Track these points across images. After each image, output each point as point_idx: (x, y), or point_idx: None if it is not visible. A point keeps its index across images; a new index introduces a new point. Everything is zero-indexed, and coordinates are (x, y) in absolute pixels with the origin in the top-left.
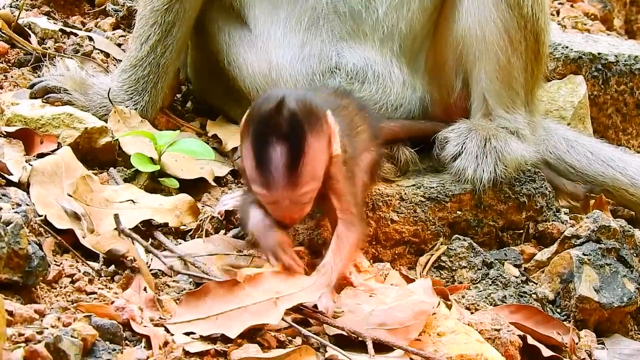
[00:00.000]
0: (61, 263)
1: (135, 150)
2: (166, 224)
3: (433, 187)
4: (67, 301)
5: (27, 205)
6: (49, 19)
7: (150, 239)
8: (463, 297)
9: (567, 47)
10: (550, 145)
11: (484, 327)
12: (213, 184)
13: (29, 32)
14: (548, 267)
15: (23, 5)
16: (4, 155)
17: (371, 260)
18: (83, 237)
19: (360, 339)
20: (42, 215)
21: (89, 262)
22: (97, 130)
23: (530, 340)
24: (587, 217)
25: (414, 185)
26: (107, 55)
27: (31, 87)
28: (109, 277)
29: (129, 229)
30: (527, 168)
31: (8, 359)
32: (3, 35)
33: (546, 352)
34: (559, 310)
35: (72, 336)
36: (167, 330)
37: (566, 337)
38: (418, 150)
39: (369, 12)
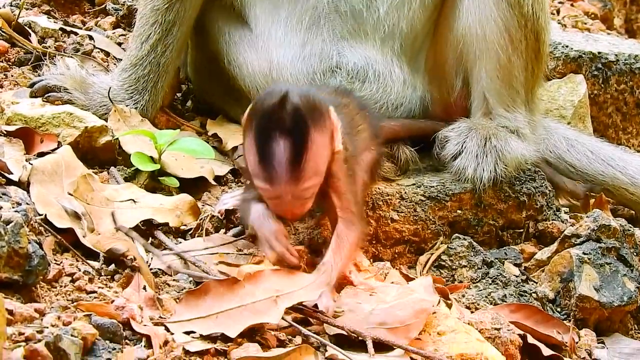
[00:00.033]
0: (61, 262)
1: (135, 149)
2: (166, 224)
3: (433, 186)
4: (67, 300)
5: (27, 204)
6: (49, 18)
7: (150, 238)
8: (463, 296)
9: (567, 46)
10: (550, 144)
11: (484, 326)
12: (213, 183)
13: (29, 31)
14: (548, 266)
15: (23, 4)
16: (4, 154)
17: (371, 259)
18: (83, 237)
19: (360, 338)
20: (42, 214)
21: (89, 261)
22: (98, 129)
23: (531, 339)
24: (587, 216)
25: (414, 184)
26: (108, 54)
27: (31, 86)
28: (109, 276)
29: (130, 228)
30: (527, 167)
31: (8, 358)
32: (3, 34)
33: (546, 351)
34: (559, 309)
35: (72, 335)
36: (167, 329)
37: (566, 336)
38: (418, 150)
39: (370, 12)
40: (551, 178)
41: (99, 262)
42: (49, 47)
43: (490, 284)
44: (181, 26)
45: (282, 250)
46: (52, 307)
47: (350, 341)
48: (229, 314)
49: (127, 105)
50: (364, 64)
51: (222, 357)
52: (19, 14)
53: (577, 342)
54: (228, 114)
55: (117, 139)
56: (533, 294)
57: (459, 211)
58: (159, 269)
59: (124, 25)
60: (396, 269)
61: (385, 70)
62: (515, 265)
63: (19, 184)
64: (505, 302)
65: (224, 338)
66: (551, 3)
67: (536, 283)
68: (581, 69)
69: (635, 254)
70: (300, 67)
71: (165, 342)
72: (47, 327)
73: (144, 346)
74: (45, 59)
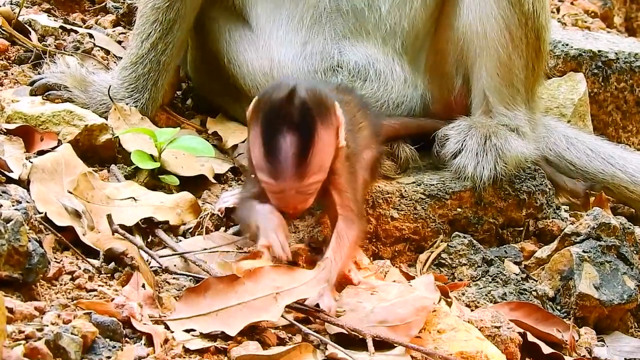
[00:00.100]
0: (61, 260)
1: (135, 148)
2: (167, 222)
3: (433, 185)
4: (67, 298)
5: (27, 202)
6: (49, 16)
7: (150, 237)
8: (463, 294)
9: (567, 45)
10: (550, 142)
11: (484, 324)
12: (213, 181)
13: (30, 29)
14: (548, 264)
15: (23, 3)
16: (4, 153)
17: (371, 258)
18: (83, 235)
19: (361, 337)
20: (42, 213)
21: (89, 260)
22: (98, 127)
23: (530, 338)
24: (587, 215)
25: (414, 182)
26: (108, 52)
27: (31, 84)
28: (109, 275)
29: (130, 226)
30: (527, 165)
31: (8, 356)
32: (3, 32)
33: (546, 349)
34: (559, 307)
35: (72, 333)
36: (167, 327)
37: (566, 335)
38: (418, 148)
39: (371, 10)
40: (551, 176)
41: (98, 260)
42: (49, 45)
43: (490, 282)
44: (181, 24)
45: (276, 242)
46: (52, 305)
47: (351, 340)
48: (228, 312)
49: (127, 104)
50: (365, 63)
51: (222, 355)
52: (19, 12)
53: (577, 341)
54: (228, 112)
55: (117, 137)
56: (533, 292)
57: (459, 209)
58: (159, 267)
59: (124, 24)
60: (396, 267)
61: (387, 69)
62: (515, 263)
63: (19, 182)
64: (505, 300)
65: (224, 336)
66: (551, 1)
67: (536, 281)
68: (581, 68)
69: (635, 252)
70: (302, 65)
71: (165, 340)
72: (47, 325)
73: (144, 344)
74: (46, 57)
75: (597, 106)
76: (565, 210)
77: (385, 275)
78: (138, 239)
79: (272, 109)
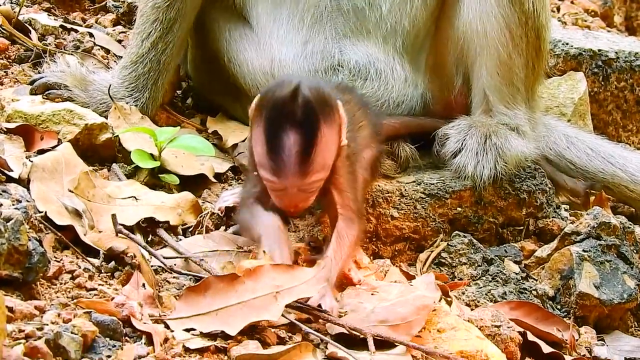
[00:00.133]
0: (61, 259)
1: (135, 147)
2: (167, 222)
3: (433, 184)
4: (67, 297)
5: (27, 201)
6: (49, 15)
7: (150, 236)
8: (463, 293)
9: (567, 44)
10: (550, 141)
11: (484, 323)
12: (213, 180)
13: (30, 28)
14: (548, 263)
15: (24, 2)
16: (4, 152)
17: (371, 257)
18: (84, 234)
19: (362, 336)
20: (42, 212)
21: (89, 259)
22: (98, 126)
23: (530, 337)
24: (587, 214)
25: (414, 181)
26: (108, 51)
27: (31, 83)
28: (109, 274)
29: (131, 225)
30: (527, 165)
31: (8, 355)
32: (3, 31)
33: (546, 348)
34: (559, 306)
35: (72, 332)
36: (167, 327)
37: (566, 334)
38: (418, 147)
39: (372, 10)
40: (551, 175)
41: (99, 259)
42: (49, 44)
43: (490, 282)
44: (182, 24)
45: (279, 259)
46: (52, 305)
47: (352, 340)
48: (229, 311)
49: (127, 103)
50: (366, 62)
51: (222, 355)
52: (19, 11)
53: (577, 340)
54: (228, 111)
55: (117, 136)
56: (533, 292)
57: (459, 209)
58: (159, 266)
59: (124, 23)
60: (396, 266)
61: (387, 68)
62: (515, 262)
63: (19, 181)
64: (505, 299)
65: (224, 335)
66: (551, 0)
67: (536, 280)
68: (581, 67)
69: (635, 251)
70: (302, 65)
71: (165, 340)
72: (47, 325)
73: (144, 343)
74: (46, 57)
75: (597, 105)
76: (566, 210)
77: (385, 275)
78: (140, 239)
79: (276, 107)
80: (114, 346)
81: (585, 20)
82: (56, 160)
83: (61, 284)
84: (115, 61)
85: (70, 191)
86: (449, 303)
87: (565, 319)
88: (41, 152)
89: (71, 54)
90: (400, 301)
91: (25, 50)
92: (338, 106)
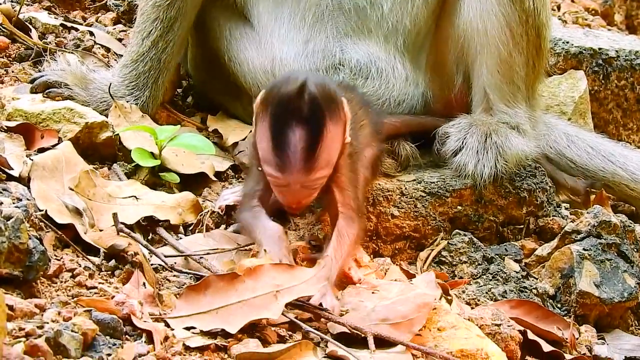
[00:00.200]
0: (61, 258)
1: (135, 145)
2: (167, 221)
3: (434, 182)
4: (68, 296)
5: (27, 199)
6: (49, 14)
7: (151, 234)
8: (463, 292)
9: (567, 42)
10: (550, 140)
11: (484, 322)
12: (213, 178)
13: (30, 26)
14: (548, 262)
15: (24, 0)
16: (4, 150)
17: (371, 255)
18: (84, 233)
19: (363, 335)
20: (42, 210)
21: (89, 257)
22: (98, 125)
23: (531, 335)
24: (587, 212)
25: (414, 180)
26: (108, 50)
27: (32, 81)
28: (109, 272)
29: (131, 224)
30: (527, 163)
31: (8, 353)
32: (4, 30)
33: (546, 347)
34: (559, 305)
35: (72, 331)
36: (168, 325)
37: (566, 332)
38: (419, 146)
39: (374, 9)
40: (552, 174)
41: (99, 257)
42: (50, 43)
43: (491, 280)
44: (182, 22)
45: (282, 256)
46: (53, 303)
47: (353, 338)
48: (229, 309)
49: (127, 101)
50: (367, 61)
51: (222, 353)
52: (20, 9)
53: (577, 338)
54: (228, 110)
55: (118, 134)
56: (533, 290)
57: (459, 207)
58: (160, 265)
59: (124, 21)
60: (396, 264)
61: (388, 67)
62: (516, 261)
63: (19, 179)
64: (506, 298)
65: (224, 333)
66: None
67: (536, 279)
68: (582, 65)
69: (635, 250)
70: (303, 63)
71: (166, 338)
72: (48, 323)
73: (144, 342)
74: (46, 55)
75: (598, 104)
76: (566, 208)
77: (385, 273)
78: (140, 237)
79: (282, 103)
80: (114, 344)
81: (586, 19)
82: (56, 158)
83: (61, 282)
84: (115, 60)
85: (70, 189)
86: (449, 302)
87: (565, 318)
88: (41, 150)
89: (71, 53)
90: (401, 299)
91: (26, 48)
92: (343, 103)
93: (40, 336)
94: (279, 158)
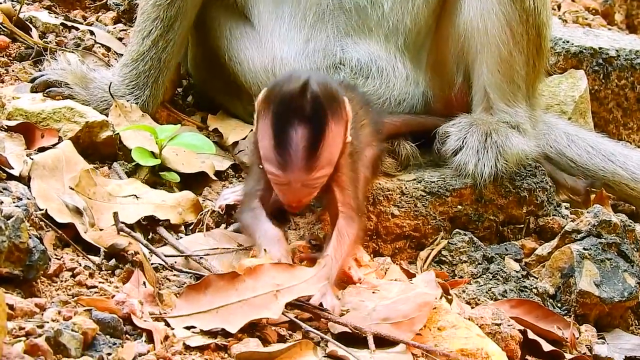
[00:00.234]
0: (62, 257)
1: (136, 144)
2: (168, 220)
3: (434, 182)
4: (68, 295)
5: (27, 199)
6: (50, 13)
7: (151, 234)
8: (463, 291)
9: (568, 42)
10: (551, 139)
11: (484, 321)
12: (214, 178)
13: (30, 26)
14: (549, 261)
15: (24, 0)
16: (4, 149)
17: (372, 255)
18: (85, 232)
19: (363, 335)
20: (42, 209)
21: (89, 256)
22: (98, 124)
23: (531, 335)
24: (587, 212)
25: (414, 179)
26: (108, 49)
27: (32, 81)
28: (109, 271)
29: (131, 223)
30: (527, 162)
31: (9, 352)
32: (4, 29)
33: (547, 346)
34: (559, 304)
35: (72, 330)
36: (168, 324)
37: (567, 332)
38: (419, 145)
39: (374, 8)
40: (552, 173)
41: (99, 257)
42: (50, 42)
43: (491, 280)
44: (182, 22)
45: (283, 257)
46: (53, 302)
47: (353, 338)
48: (229, 309)
49: (128, 101)
50: (368, 60)
51: (222, 352)
52: (20, 8)
53: (577, 338)
54: (229, 109)
55: (118, 134)
56: (533, 290)
57: (459, 206)
58: (160, 264)
59: (125, 21)
60: (397, 264)
61: (389, 66)
62: (516, 260)
63: (19, 178)
64: (506, 297)
65: (225, 333)
66: None
67: (537, 278)
68: (582, 65)
69: (635, 249)
70: (304, 63)
71: (166, 337)
72: (48, 322)
73: (145, 341)
74: (46, 54)
75: (598, 103)
76: (566, 208)
77: (385, 273)
78: (140, 237)
79: (284, 101)
80: (115, 344)
81: (586, 18)
82: (57, 158)
83: (62, 281)
84: (116, 59)
85: (71, 189)
86: (450, 301)
87: (565, 317)
88: (42, 149)
89: (72, 52)
90: (402, 299)
91: (26, 48)
92: (345, 103)
93: (40, 335)
94: (280, 156)
